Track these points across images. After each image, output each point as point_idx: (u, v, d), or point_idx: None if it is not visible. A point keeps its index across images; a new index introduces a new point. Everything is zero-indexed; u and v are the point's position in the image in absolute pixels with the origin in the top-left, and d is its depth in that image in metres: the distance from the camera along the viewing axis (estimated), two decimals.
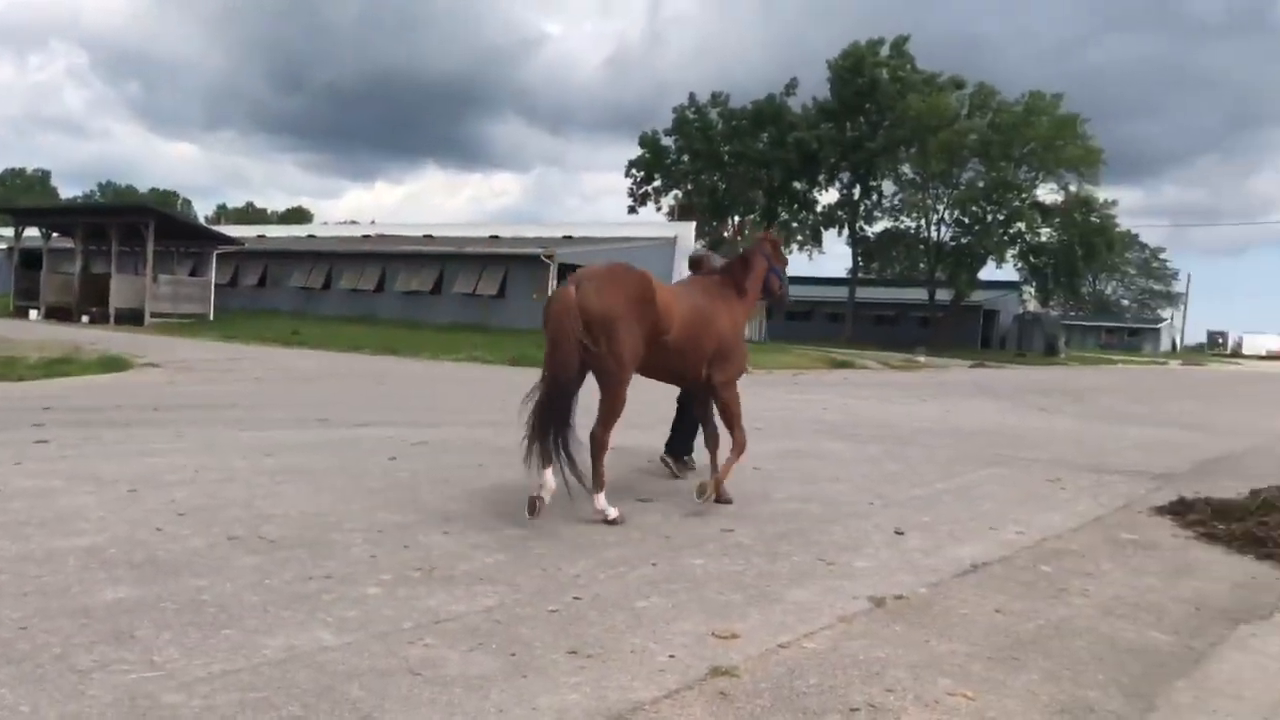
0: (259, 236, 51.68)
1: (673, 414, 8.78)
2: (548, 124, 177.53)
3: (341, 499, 6.60)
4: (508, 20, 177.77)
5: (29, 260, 39.52)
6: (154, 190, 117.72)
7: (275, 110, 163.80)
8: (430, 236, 46.28)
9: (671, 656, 3.98)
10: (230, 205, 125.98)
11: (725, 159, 66.57)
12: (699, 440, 7.91)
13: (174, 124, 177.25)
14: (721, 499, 7.05)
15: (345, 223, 76.32)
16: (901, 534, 6.53)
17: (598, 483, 6.41)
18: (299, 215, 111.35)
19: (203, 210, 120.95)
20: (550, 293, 8.49)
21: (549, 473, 6.21)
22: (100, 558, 4.85)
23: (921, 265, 62.79)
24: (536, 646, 3.98)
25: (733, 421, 7.27)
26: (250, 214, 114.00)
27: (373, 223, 65.16)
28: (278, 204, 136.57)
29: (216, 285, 39.01)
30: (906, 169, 59.79)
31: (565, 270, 35.50)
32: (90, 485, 6.64)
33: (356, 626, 4.07)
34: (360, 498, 6.68)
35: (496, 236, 44.02)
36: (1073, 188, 56.77)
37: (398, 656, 3.76)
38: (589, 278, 6.56)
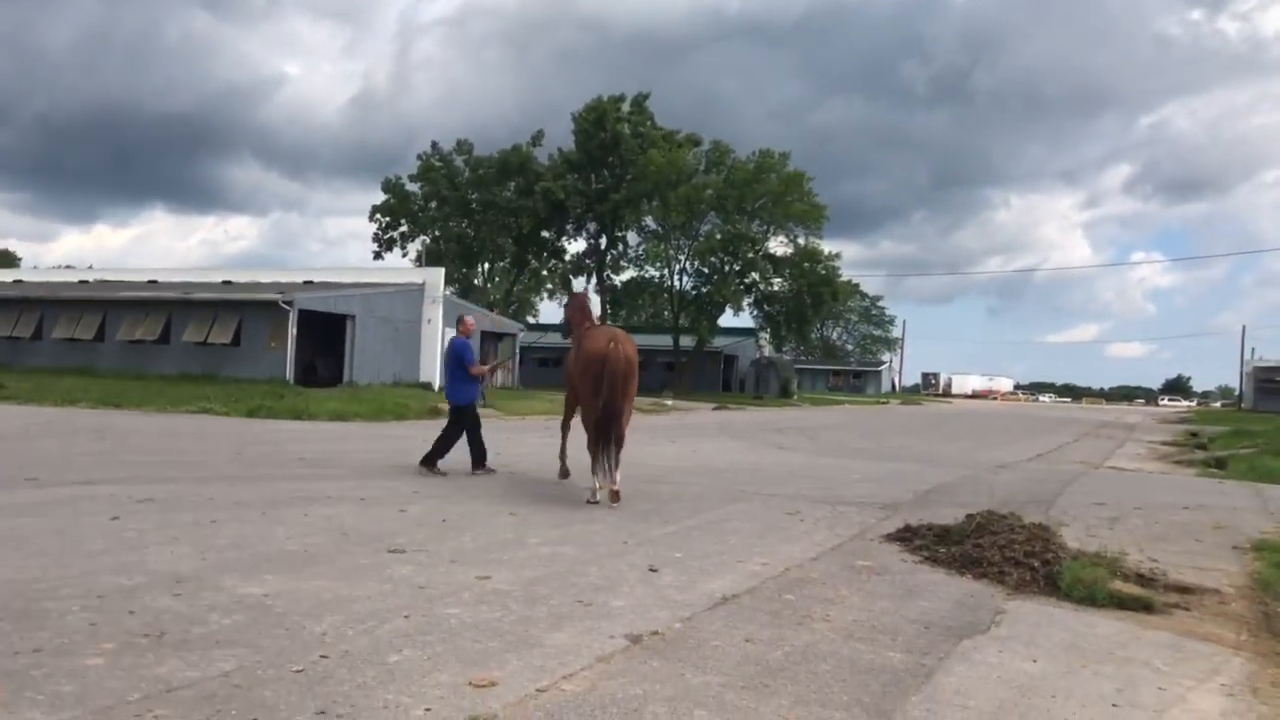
0: None
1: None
2: (287, 167, 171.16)
3: (56, 563, 5.98)
4: (243, 58, 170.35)
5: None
6: None
7: None
8: (156, 282, 43.20)
9: (427, 710, 3.85)
10: None
11: (473, 206, 66.57)
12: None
13: None
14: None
15: (59, 267, 69.97)
16: (655, 571, 6.65)
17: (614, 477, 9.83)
18: (4, 259, 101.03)
19: None
20: (601, 339, 10.36)
21: (601, 477, 9.84)
22: None
23: (666, 313, 65.07)
24: (281, 709, 3.74)
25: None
26: None
27: (90, 268, 60.12)
28: None
29: None
30: (649, 220, 61.98)
31: (306, 316, 34.15)
32: None
33: (74, 702, 3.68)
34: (78, 561, 6.08)
35: (230, 282, 41.71)
36: (800, 240, 60.75)
37: None
38: (624, 337, 10.29)
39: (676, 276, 62.55)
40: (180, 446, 14.59)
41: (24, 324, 38.88)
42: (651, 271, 63.57)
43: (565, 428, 12.14)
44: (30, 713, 3.56)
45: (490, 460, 12.25)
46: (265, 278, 42.36)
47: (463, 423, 12.18)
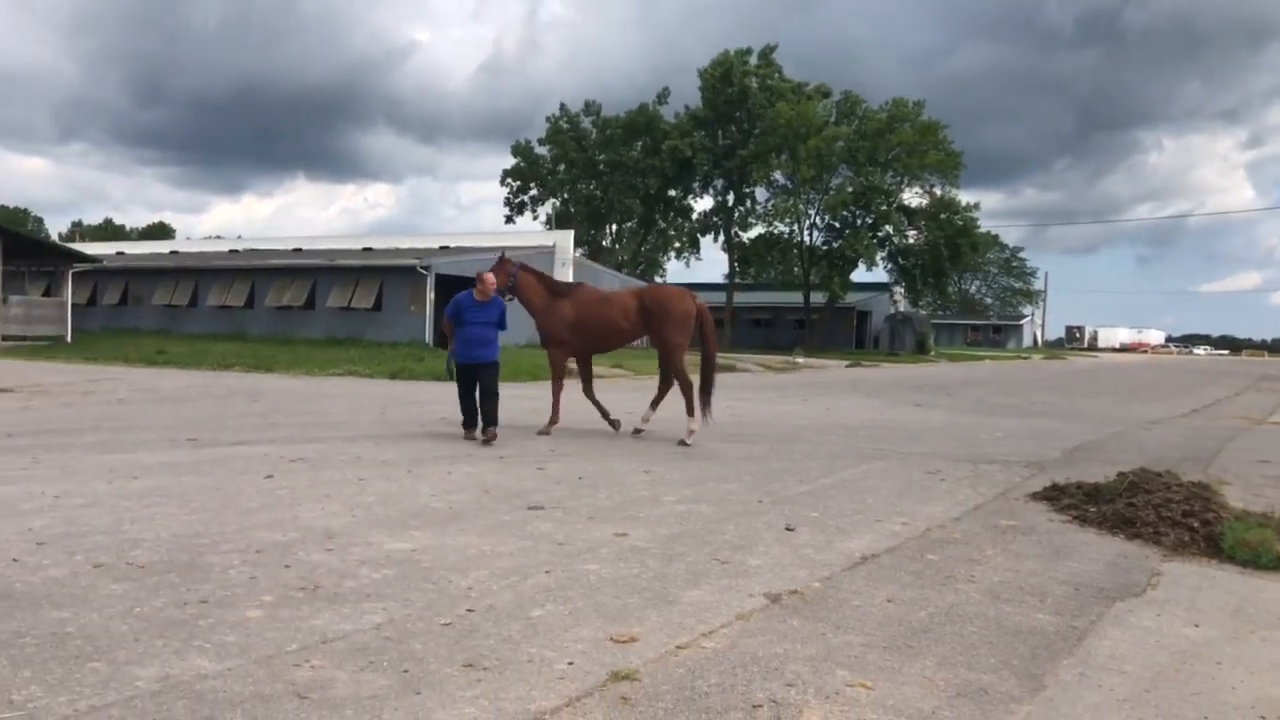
0: (118, 253, 49.39)
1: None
2: (420, 133, 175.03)
3: (216, 520, 6.30)
4: (377, 29, 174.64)
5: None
6: (1, 208, 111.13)
7: (134, 122, 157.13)
8: (301, 250, 44.97)
9: (570, 664, 3.89)
10: (87, 221, 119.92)
11: (600, 168, 66.85)
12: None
13: (21, 138, 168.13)
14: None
15: (211, 238, 73.58)
16: (792, 530, 6.59)
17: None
18: (161, 231, 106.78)
19: (56, 228, 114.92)
20: (688, 299, 12.26)
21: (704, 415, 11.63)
22: None
23: (796, 269, 64.14)
24: (430, 661, 3.84)
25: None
26: (109, 230, 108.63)
27: (239, 237, 63.00)
28: (139, 220, 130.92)
29: (74, 305, 37.07)
30: (778, 175, 61.02)
31: (442, 281, 35.01)
32: None
33: (237, 652, 3.86)
34: (237, 518, 6.39)
35: (370, 249, 43.09)
36: (936, 191, 58.94)
37: (283, 680, 3.58)
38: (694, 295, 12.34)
39: (806, 232, 61.61)
40: (327, 408, 15.19)
41: (181, 292, 41.09)
42: (780, 227, 62.63)
43: (560, 384, 12.50)
44: (199, 660, 3.75)
45: (615, 417, 12.50)
46: (403, 244, 43.60)
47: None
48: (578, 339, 12.47)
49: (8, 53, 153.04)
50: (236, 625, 4.18)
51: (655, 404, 12.61)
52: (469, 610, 4.53)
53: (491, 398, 11.03)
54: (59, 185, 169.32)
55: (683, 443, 11.32)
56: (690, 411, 11.70)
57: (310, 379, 23.11)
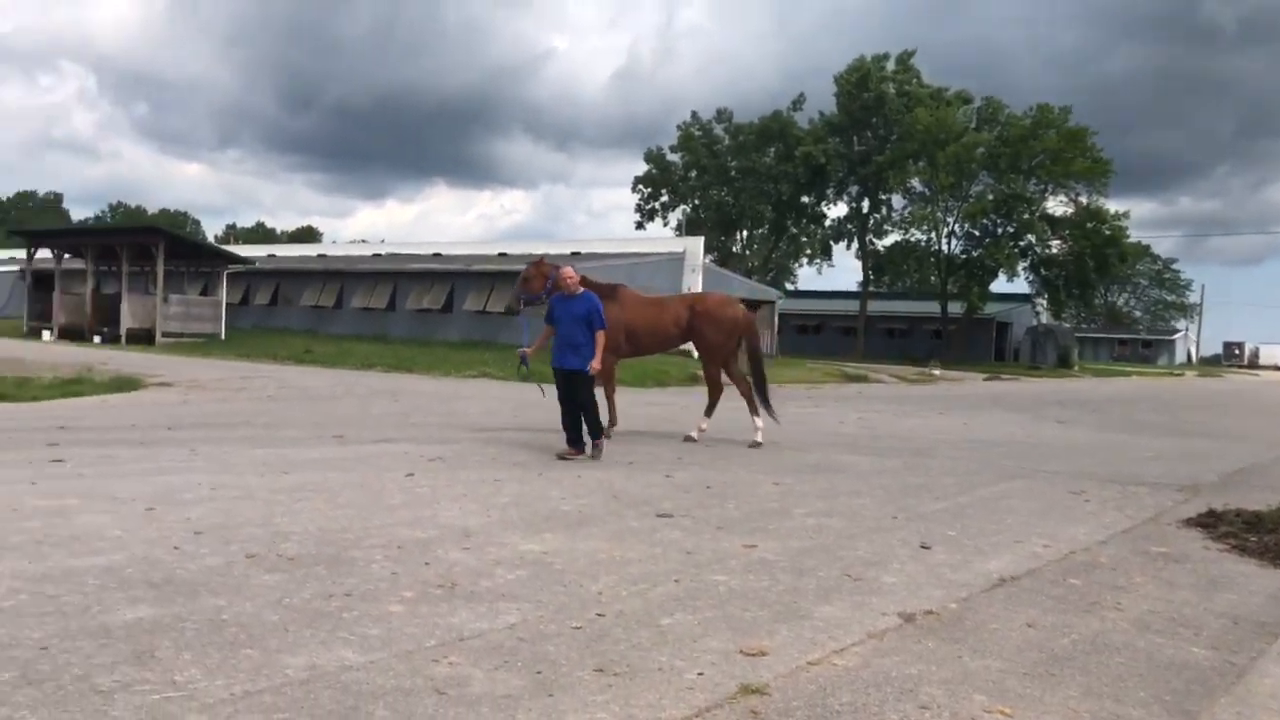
0: (269, 256, 51.86)
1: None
2: (555, 140, 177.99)
3: (360, 515, 6.54)
4: (517, 37, 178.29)
5: (41, 282, 39.68)
6: (164, 211, 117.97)
7: (286, 129, 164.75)
8: (440, 255, 46.34)
9: (700, 674, 3.89)
10: (241, 225, 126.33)
11: (732, 174, 66.72)
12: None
13: (184, 144, 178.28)
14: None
15: (355, 241, 76.58)
16: (927, 548, 6.43)
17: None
18: (308, 234, 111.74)
19: (212, 230, 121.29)
20: (737, 305, 12.80)
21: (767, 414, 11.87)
22: (119, 577, 4.79)
23: (933, 278, 62.62)
24: (562, 664, 3.90)
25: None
26: (260, 234, 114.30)
27: (382, 241, 65.36)
28: (288, 223, 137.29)
29: (228, 304, 39.09)
30: (915, 182, 59.74)
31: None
32: (106, 504, 6.59)
33: (380, 645, 4.00)
34: (379, 514, 6.62)
35: (505, 254, 44.07)
36: (1082, 199, 56.74)
37: (422, 675, 3.69)
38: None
39: (944, 240, 60.11)
40: (463, 409, 15.60)
41: (327, 294, 42.84)
42: (917, 235, 61.27)
43: (612, 389, 12.25)
44: (344, 651, 3.90)
45: (749, 428, 12.34)
46: (537, 249, 44.36)
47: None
48: (629, 344, 12.27)
49: (175, 64, 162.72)
50: (379, 619, 4.33)
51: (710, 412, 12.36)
52: (599, 615, 4.58)
53: (581, 410, 10.06)
54: (216, 190, 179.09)
55: (755, 443, 11.61)
56: (754, 411, 11.97)
57: (447, 380, 23.78)
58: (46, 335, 35.92)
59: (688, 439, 11.84)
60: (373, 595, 4.69)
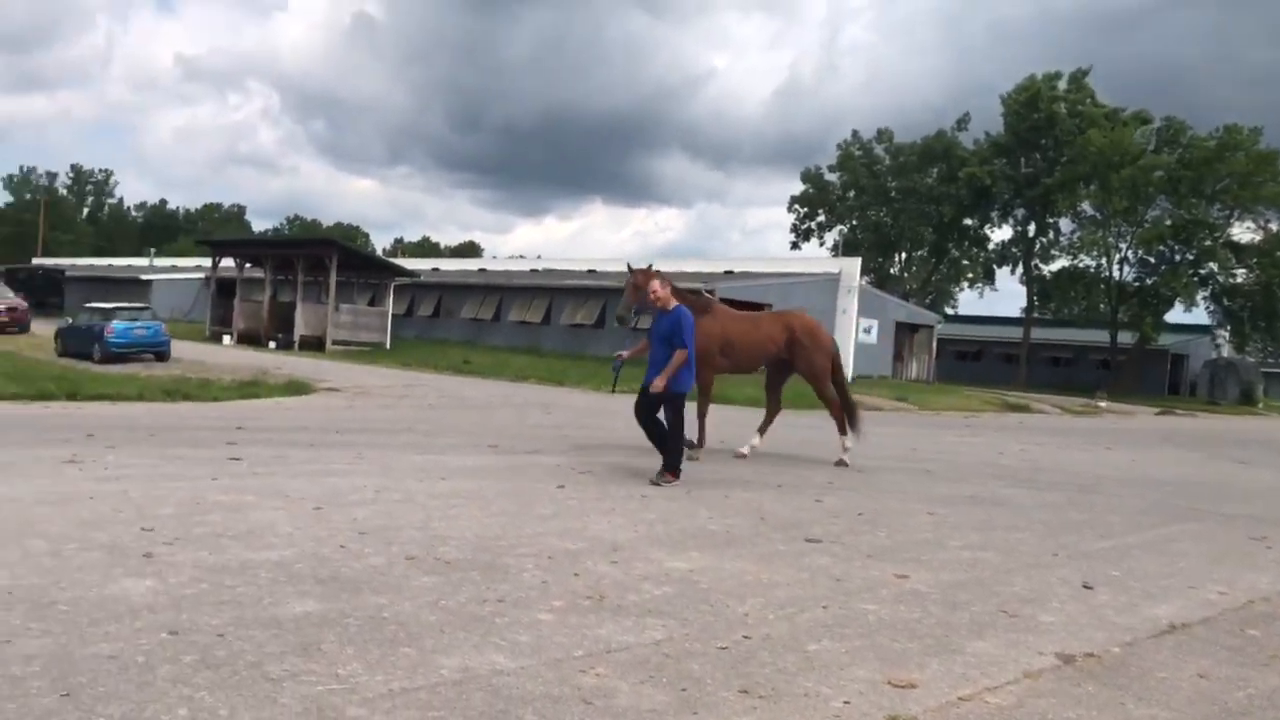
0: (433, 269, 53.86)
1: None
2: (711, 159, 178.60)
3: (513, 524, 6.72)
4: (677, 56, 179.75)
5: (224, 289, 42.40)
6: (337, 224, 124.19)
7: (453, 148, 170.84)
8: (594, 271, 47.13)
9: (846, 702, 3.83)
10: (407, 239, 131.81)
11: (892, 195, 65.53)
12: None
13: (357, 161, 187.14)
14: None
15: (514, 257, 78.74)
16: (1090, 588, 6.14)
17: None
18: (470, 249, 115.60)
19: (381, 243, 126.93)
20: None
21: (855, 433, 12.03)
22: (289, 571, 5.07)
23: (1102, 306, 59.77)
24: (707, 683, 3.91)
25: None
26: (425, 248, 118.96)
27: (539, 257, 66.97)
28: (451, 238, 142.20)
29: (393, 315, 40.80)
30: (1086, 205, 57.28)
31: (726, 305, 35.50)
32: (279, 502, 6.98)
33: (529, 651, 4.10)
34: (530, 523, 6.78)
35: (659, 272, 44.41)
36: (1272, 227, 53.23)
37: (570, 684, 3.76)
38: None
39: (1115, 266, 57.42)
40: (613, 424, 15.78)
41: (486, 307, 44.19)
42: (1086, 261, 58.71)
43: (706, 407, 12.03)
44: (495, 656, 4.01)
45: (904, 456, 12.08)
46: (690, 267, 44.65)
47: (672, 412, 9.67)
48: (728, 360, 12.00)
49: (352, 84, 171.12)
50: (529, 626, 4.43)
51: (763, 430, 12.37)
52: (745, 637, 4.56)
53: (663, 434, 9.49)
54: (385, 205, 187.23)
55: (842, 462, 11.65)
56: (844, 430, 12.07)
57: (597, 395, 24.13)
58: (226, 340, 38.28)
59: (840, 463, 11.67)
60: (524, 602, 4.80)
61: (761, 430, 12.27)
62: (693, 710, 3.61)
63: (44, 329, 33.99)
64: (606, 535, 6.57)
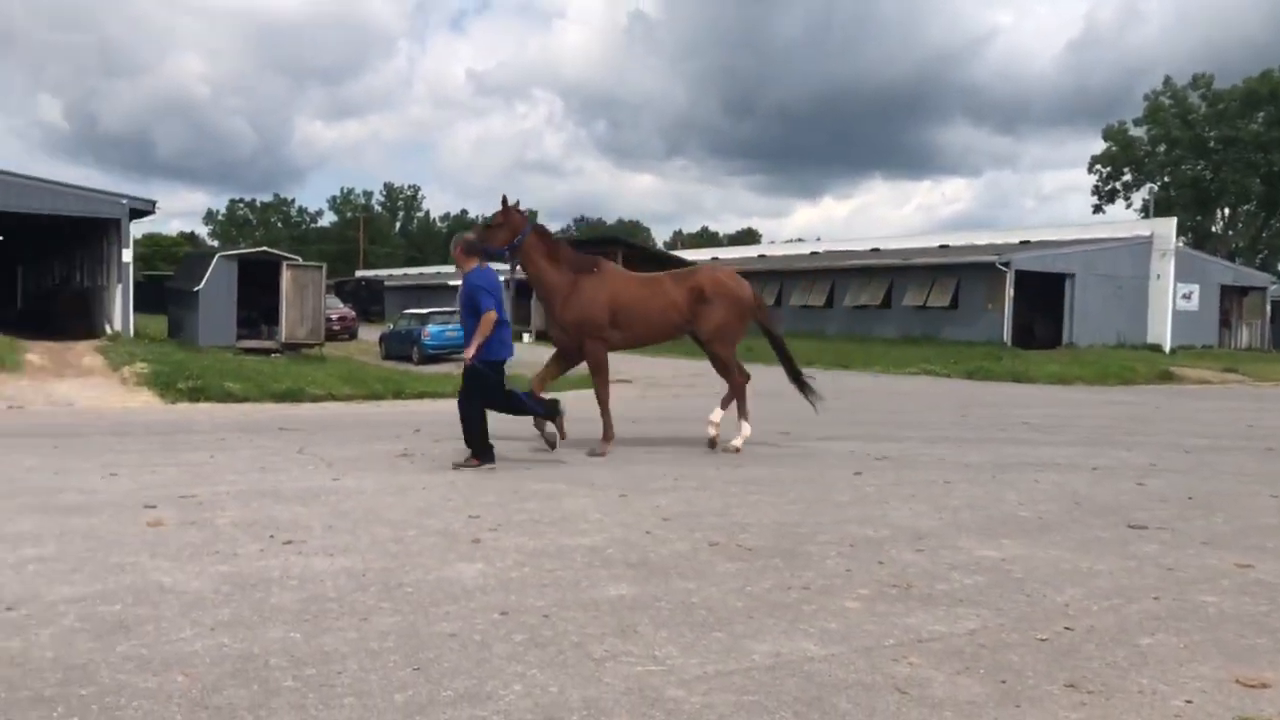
0: (712, 259, 54.58)
1: None
2: (998, 123, 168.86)
3: (811, 511, 6.71)
4: (955, 18, 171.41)
5: (522, 290, 45.06)
6: (620, 221, 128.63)
7: (727, 136, 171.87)
8: (878, 250, 46.06)
9: (1188, 701, 3.54)
10: (686, 230, 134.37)
11: (1210, 145, 59.44)
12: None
13: (636, 157, 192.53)
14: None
15: (793, 241, 78.34)
16: None
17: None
18: (749, 236, 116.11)
19: (661, 236, 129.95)
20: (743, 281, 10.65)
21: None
22: (601, 556, 5.33)
23: None
24: (1028, 675, 3.73)
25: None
26: (704, 238, 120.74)
27: (818, 239, 66.27)
28: (729, 227, 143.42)
29: None
30: None
31: (1022, 277, 33.67)
32: (587, 489, 7.35)
33: (839, 639, 4.08)
34: (829, 510, 6.75)
35: (946, 246, 42.76)
36: None
37: (882, 673, 3.71)
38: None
39: None
40: (905, 407, 15.40)
41: (767, 293, 44.18)
42: None
43: (605, 390, 10.00)
44: (805, 643, 4.03)
45: (1239, 434, 10.92)
46: (980, 239, 42.66)
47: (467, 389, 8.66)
48: (621, 332, 10.00)
49: (630, 83, 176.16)
50: (837, 614, 4.42)
51: (726, 404, 10.35)
52: (1067, 628, 4.32)
53: (461, 415, 8.54)
54: (664, 198, 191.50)
55: (715, 445, 9.92)
56: (744, 414, 10.13)
57: (885, 377, 23.60)
58: (526, 338, 40.68)
59: (726, 448, 9.85)
60: (829, 590, 4.79)
61: (742, 413, 10.25)
62: (1015, 704, 3.46)
63: (369, 335, 38.12)
64: (909, 522, 6.42)
